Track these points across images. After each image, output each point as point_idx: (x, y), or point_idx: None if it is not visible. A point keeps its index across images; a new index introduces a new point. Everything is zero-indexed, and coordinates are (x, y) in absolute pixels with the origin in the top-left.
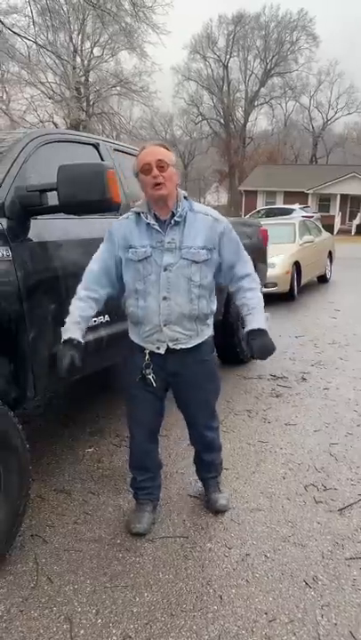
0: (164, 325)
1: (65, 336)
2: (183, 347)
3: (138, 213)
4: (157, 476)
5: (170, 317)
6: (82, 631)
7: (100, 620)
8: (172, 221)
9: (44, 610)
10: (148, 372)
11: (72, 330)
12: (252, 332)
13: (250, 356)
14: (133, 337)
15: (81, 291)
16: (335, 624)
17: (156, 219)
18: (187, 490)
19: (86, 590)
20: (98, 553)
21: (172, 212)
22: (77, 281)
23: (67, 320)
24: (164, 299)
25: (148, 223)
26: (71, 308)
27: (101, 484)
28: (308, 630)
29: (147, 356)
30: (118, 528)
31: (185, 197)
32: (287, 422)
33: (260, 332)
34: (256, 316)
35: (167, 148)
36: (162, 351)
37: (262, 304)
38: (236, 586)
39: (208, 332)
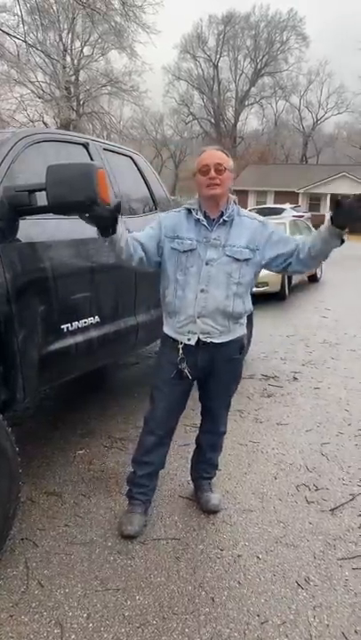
0: (198, 317)
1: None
2: (214, 341)
3: (189, 210)
4: (155, 477)
5: (205, 310)
6: (73, 635)
7: (91, 625)
8: (221, 220)
9: (34, 614)
10: (183, 365)
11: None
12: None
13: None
14: (167, 329)
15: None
16: (327, 625)
17: (206, 216)
18: (178, 491)
19: (77, 594)
20: (89, 556)
21: (222, 212)
22: (67, 282)
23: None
24: (202, 291)
25: (198, 219)
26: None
27: (93, 487)
28: (301, 632)
29: (180, 351)
30: (110, 531)
31: (235, 202)
32: (279, 422)
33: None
34: (323, 234)
35: (227, 154)
36: (192, 342)
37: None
38: (228, 588)
39: (240, 330)
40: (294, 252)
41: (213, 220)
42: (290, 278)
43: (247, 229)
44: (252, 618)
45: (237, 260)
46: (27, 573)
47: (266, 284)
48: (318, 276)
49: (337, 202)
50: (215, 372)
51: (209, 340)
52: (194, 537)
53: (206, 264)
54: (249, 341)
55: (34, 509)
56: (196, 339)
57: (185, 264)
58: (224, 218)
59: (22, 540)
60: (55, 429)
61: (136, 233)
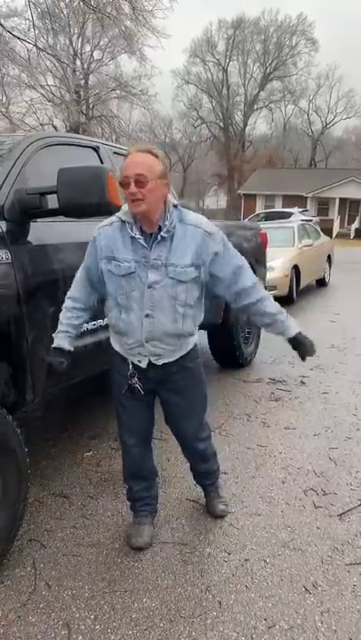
0: (146, 342)
1: (55, 344)
2: (165, 361)
3: (123, 222)
4: (153, 486)
5: (152, 334)
6: (80, 637)
7: (98, 626)
8: (159, 237)
9: (42, 615)
10: (134, 381)
11: (61, 338)
12: (293, 338)
13: (301, 358)
14: (116, 346)
15: (68, 300)
16: (335, 630)
17: (142, 231)
18: (186, 494)
19: (85, 596)
20: (96, 558)
21: (159, 227)
22: None
23: (58, 328)
24: (147, 316)
25: (133, 236)
26: (60, 316)
27: (100, 489)
28: (308, 637)
29: (130, 366)
30: (117, 533)
31: (176, 206)
32: (286, 426)
33: (299, 336)
34: (285, 323)
35: (155, 155)
36: (143, 365)
37: (281, 308)
38: (235, 591)
39: (192, 341)
40: (250, 299)
41: (151, 235)
42: (298, 282)
43: (191, 242)
44: (260, 622)
45: (182, 281)
46: (34, 574)
47: (274, 287)
48: (327, 280)
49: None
50: (170, 384)
51: (161, 362)
52: (201, 540)
53: (149, 287)
54: (257, 345)
55: (42, 510)
56: (147, 361)
57: (125, 288)
58: (162, 234)
59: (30, 540)
60: (63, 431)
61: (76, 281)
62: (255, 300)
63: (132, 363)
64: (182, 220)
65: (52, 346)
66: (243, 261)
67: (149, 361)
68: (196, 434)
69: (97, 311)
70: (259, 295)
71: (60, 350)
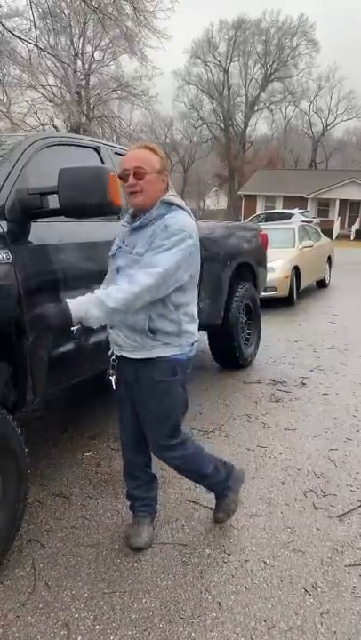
0: (110, 327)
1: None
2: (125, 355)
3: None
4: (151, 488)
5: (113, 320)
6: (79, 637)
7: (97, 627)
8: (133, 226)
9: (41, 616)
10: (111, 372)
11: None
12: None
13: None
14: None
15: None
16: (335, 632)
17: (133, 221)
18: (185, 495)
19: (84, 596)
20: (96, 558)
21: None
22: (78, 284)
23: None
24: None
25: (123, 224)
26: None
27: (100, 489)
28: (308, 638)
29: (112, 357)
30: (117, 533)
31: (171, 204)
32: (286, 427)
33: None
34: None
35: (154, 151)
36: (110, 353)
37: (110, 299)
38: (235, 592)
39: (163, 351)
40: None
41: None
42: (298, 283)
43: (152, 234)
44: (259, 623)
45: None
46: (34, 574)
47: (274, 288)
48: (327, 281)
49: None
50: (137, 388)
51: (120, 353)
52: (200, 541)
53: (117, 272)
54: (257, 346)
55: (41, 511)
56: (112, 350)
57: (109, 268)
58: (135, 224)
59: (30, 540)
60: (63, 431)
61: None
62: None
63: (113, 354)
64: (165, 214)
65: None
66: (159, 262)
67: (113, 350)
68: (159, 441)
69: None
70: (123, 281)
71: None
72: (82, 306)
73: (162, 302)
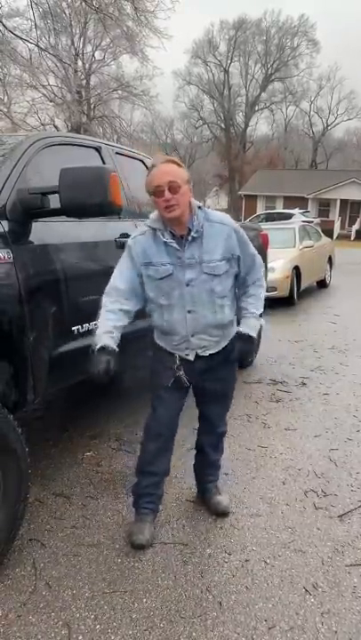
0: (192, 336)
1: (99, 344)
2: (212, 352)
3: (154, 229)
4: (161, 484)
5: (196, 328)
6: (80, 637)
7: (98, 626)
8: (190, 237)
9: (42, 615)
10: (180, 373)
11: (105, 338)
12: (241, 335)
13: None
14: (162, 343)
15: (110, 304)
16: (335, 632)
17: (173, 235)
18: (186, 495)
19: (85, 595)
20: (96, 558)
21: (189, 228)
22: (78, 284)
23: (98, 331)
24: (189, 312)
25: (166, 241)
26: (101, 319)
27: (101, 489)
28: (308, 638)
29: (177, 359)
30: (117, 533)
31: (200, 207)
32: (287, 427)
33: (248, 338)
34: (250, 321)
35: (178, 164)
36: (191, 358)
37: (260, 310)
38: (235, 592)
39: (233, 331)
40: (244, 291)
41: (182, 237)
42: (299, 283)
43: (221, 239)
44: (260, 623)
45: (216, 275)
46: (35, 574)
47: (275, 288)
48: (327, 281)
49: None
50: (213, 373)
51: (208, 353)
52: (201, 541)
53: (187, 285)
54: (258, 346)
55: (42, 510)
56: (195, 354)
57: (165, 289)
58: (193, 234)
59: (30, 540)
60: (64, 431)
61: (114, 290)
62: (251, 292)
63: (180, 356)
64: (208, 219)
65: (97, 347)
66: (255, 252)
67: (197, 353)
68: (223, 416)
69: (94, 313)
70: (257, 291)
71: (104, 350)
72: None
73: (235, 291)
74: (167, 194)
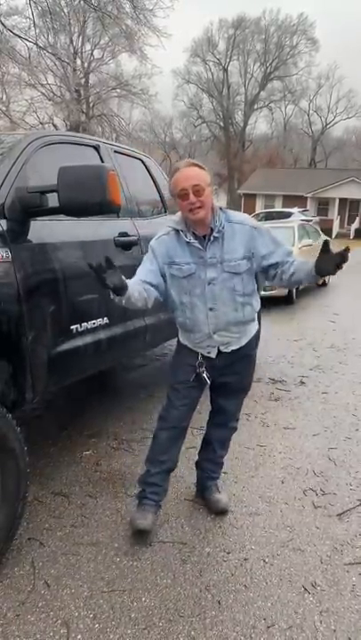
0: (214, 333)
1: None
2: (233, 348)
3: (177, 230)
4: (167, 478)
5: (218, 326)
6: (79, 636)
7: (97, 625)
8: (212, 237)
9: (40, 614)
10: (202, 369)
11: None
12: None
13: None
14: (184, 341)
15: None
16: (334, 630)
17: (195, 236)
18: (185, 494)
19: (83, 594)
20: (95, 557)
21: (211, 229)
22: (77, 283)
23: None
24: (211, 309)
25: (188, 241)
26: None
27: (99, 488)
28: (307, 636)
29: (199, 356)
30: (116, 532)
31: (220, 209)
32: (286, 426)
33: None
34: (306, 265)
35: (201, 168)
36: (213, 355)
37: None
38: (234, 591)
39: (255, 327)
40: (285, 264)
41: (204, 237)
42: None
43: (241, 238)
44: (259, 621)
45: (237, 273)
46: (33, 573)
47: (273, 287)
48: (326, 280)
49: (324, 248)
50: (233, 368)
51: (230, 349)
52: (200, 540)
53: (209, 284)
54: (257, 342)
55: (40, 509)
56: (217, 351)
57: (187, 287)
58: (214, 235)
59: (29, 539)
60: (63, 430)
61: (140, 274)
62: (286, 261)
63: (202, 354)
64: (229, 219)
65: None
66: (280, 243)
67: (218, 350)
68: (238, 412)
69: (97, 310)
70: (291, 258)
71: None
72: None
73: (256, 289)
74: (192, 197)
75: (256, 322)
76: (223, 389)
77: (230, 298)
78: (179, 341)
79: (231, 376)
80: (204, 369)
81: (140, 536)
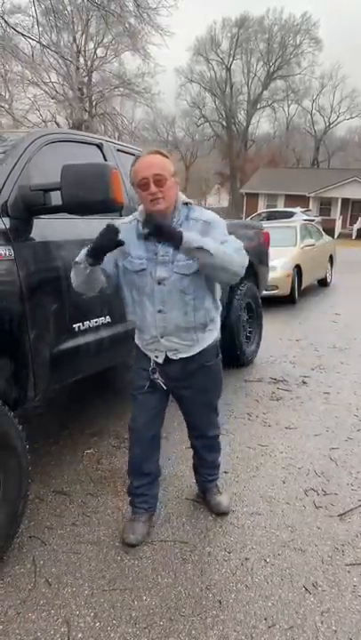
0: (162, 337)
1: (84, 251)
2: (183, 356)
3: (138, 221)
4: (154, 485)
5: (166, 329)
6: (80, 634)
7: (98, 624)
8: None
9: (41, 612)
10: (155, 376)
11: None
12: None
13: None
14: (137, 341)
15: None
16: (335, 631)
17: None
18: (186, 493)
19: (84, 593)
20: (96, 555)
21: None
22: None
23: (78, 258)
24: (160, 311)
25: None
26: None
27: (101, 486)
28: (308, 637)
29: (152, 362)
30: (117, 530)
31: (186, 204)
32: (287, 426)
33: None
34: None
35: (165, 155)
36: (160, 360)
37: (214, 249)
38: (235, 590)
39: (211, 337)
40: None
41: None
42: (300, 282)
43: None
44: (260, 621)
45: (186, 275)
46: (34, 571)
47: (276, 287)
48: (328, 280)
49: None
50: (189, 381)
51: (178, 357)
52: (201, 539)
53: (158, 284)
54: (258, 344)
55: (42, 507)
56: (164, 356)
57: (138, 284)
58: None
59: (30, 537)
60: (64, 428)
61: None
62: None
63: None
64: (189, 216)
65: (86, 250)
66: (232, 237)
67: (166, 356)
68: (210, 421)
69: (99, 309)
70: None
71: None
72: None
73: (213, 292)
74: (153, 187)
75: (215, 330)
76: (185, 403)
77: (180, 301)
78: (135, 344)
79: (188, 390)
80: (157, 375)
81: (131, 547)
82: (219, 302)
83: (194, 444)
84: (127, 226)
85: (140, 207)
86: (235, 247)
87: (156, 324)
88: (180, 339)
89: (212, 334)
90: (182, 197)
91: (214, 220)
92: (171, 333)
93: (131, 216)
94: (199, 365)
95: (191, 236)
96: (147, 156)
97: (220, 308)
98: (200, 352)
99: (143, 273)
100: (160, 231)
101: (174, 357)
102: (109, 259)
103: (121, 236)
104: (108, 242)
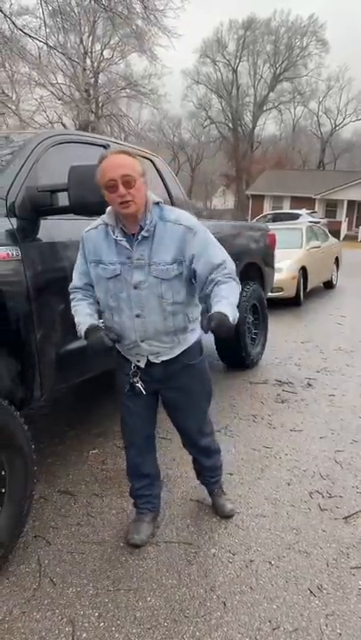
0: (142, 341)
1: (84, 328)
2: (165, 358)
3: (107, 225)
4: (155, 485)
5: (146, 334)
6: (84, 634)
7: (102, 624)
8: (140, 236)
9: (46, 612)
10: (135, 380)
11: (88, 321)
12: (213, 315)
13: (207, 330)
14: (118, 347)
15: (77, 300)
16: (340, 634)
17: (124, 233)
18: (190, 494)
19: (89, 593)
20: (101, 555)
21: (140, 226)
22: None
23: (77, 319)
24: (138, 316)
25: (116, 239)
26: (77, 309)
27: (106, 486)
28: (313, 639)
29: (133, 365)
30: (122, 531)
31: (157, 204)
32: (292, 428)
33: (220, 314)
34: (223, 302)
35: (132, 155)
36: (142, 364)
37: (234, 297)
38: (239, 592)
39: (192, 337)
40: (212, 277)
41: (133, 235)
42: (305, 284)
43: (173, 240)
44: (264, 624)
45: (165, 279)
46: (39, 570)
47: (281, 289)
48: (334, 282)
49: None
50: (173, 382)
51: (160, 360)
52: (206, 540)
53: (135, 288)
54: (263, 346)
55: (47, 507)
56: (145, 360)
57: (113, 290)
58: (143, 234)
59: (35, 537)
60: (69, 428)
61: (78, 280)
62: (222, 281)
63: (133, 362)
64: (163, 217)
65: (84, 331)
66: (226, 256)
67: (148, 360)
68: (200, 429)
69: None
70: (229, 281)
71: (94, 328)
72: (234, 310)
73: (193, 295)
74: (121, 189)
75: (197, 329)
76: (173, 407)
77: (158, 305)
78: (115, 349)
79: (174, 391)
80: (138, 379)
81: (136, 547)
82: (197, 301)
83: (189, 451)
84: (95, 232)
85: (109, 209)
86: (232, 271)
87: (135, 328)
88: (161, 342)
89: (195, 333)
90: (153, 197)
91: (196, 226)
92: (151, 337)
93: (99, 219)
94: (183, 365)
95: (231, 312)
96: (113, 155)
97: (201, 307)
98: (183, 352)
99: (118, 279)
100: (220, 332)
101: (156, 361)
102: (85, 272)
103: (91, 244)
104: (99, 349)
